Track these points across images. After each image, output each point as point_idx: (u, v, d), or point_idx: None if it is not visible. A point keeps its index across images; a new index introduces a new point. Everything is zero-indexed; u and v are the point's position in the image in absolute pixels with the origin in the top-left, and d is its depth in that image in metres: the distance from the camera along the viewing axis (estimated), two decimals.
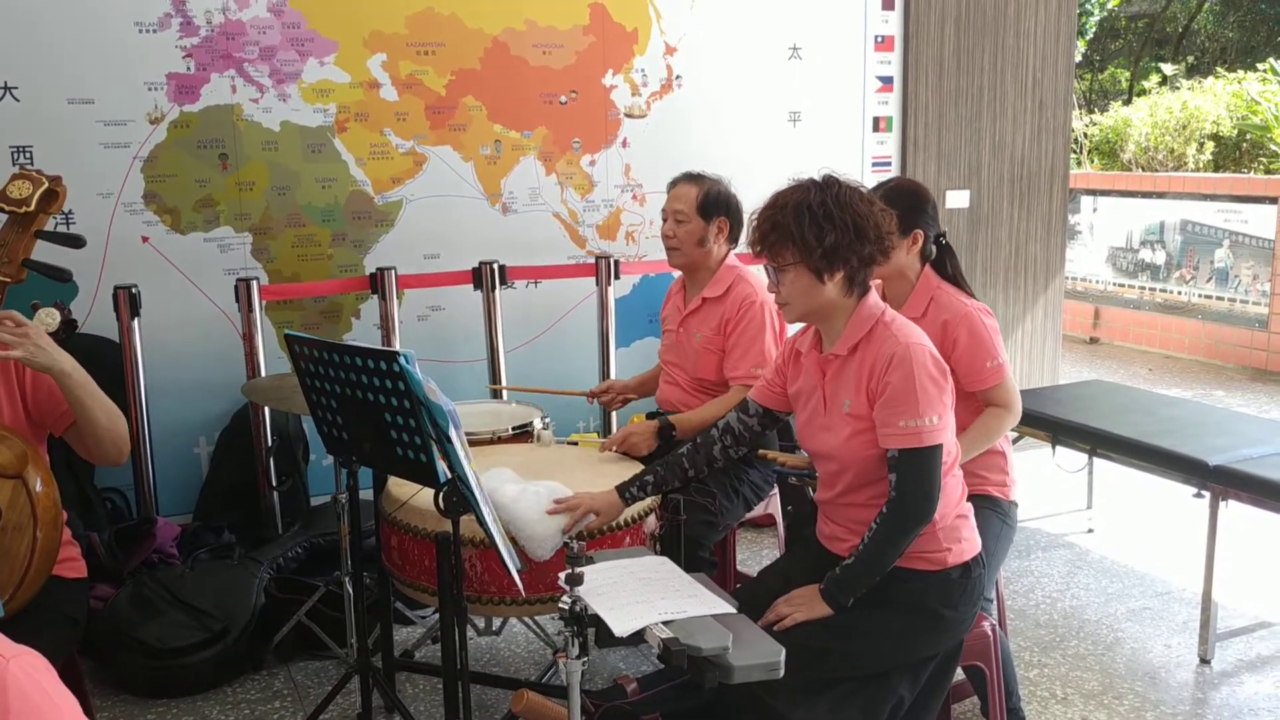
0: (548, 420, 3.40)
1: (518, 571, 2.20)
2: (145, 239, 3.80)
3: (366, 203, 4.09)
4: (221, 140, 3.84)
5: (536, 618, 3.47)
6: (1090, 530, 4.40)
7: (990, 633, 2.56)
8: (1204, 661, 3.31)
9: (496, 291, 4.11)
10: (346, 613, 3.22)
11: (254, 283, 3.72)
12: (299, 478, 3.96)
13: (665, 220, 3.34)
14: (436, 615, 3.62)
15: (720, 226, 3.31)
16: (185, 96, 3.77)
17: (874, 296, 2.33)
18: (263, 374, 3.77)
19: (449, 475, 2.47)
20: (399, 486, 2.78)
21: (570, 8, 4.28)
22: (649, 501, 2.80)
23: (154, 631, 3.17)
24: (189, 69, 3.77)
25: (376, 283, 3.95)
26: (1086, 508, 4.47)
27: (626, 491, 2.55)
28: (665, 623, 2.01)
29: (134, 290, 3.60)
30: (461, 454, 1.99)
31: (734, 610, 2.10)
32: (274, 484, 3.85)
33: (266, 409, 3.79)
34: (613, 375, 4.26)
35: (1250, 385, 6.93)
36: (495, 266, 4.09)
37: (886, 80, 4.94)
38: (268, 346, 3.85)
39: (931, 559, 2.29)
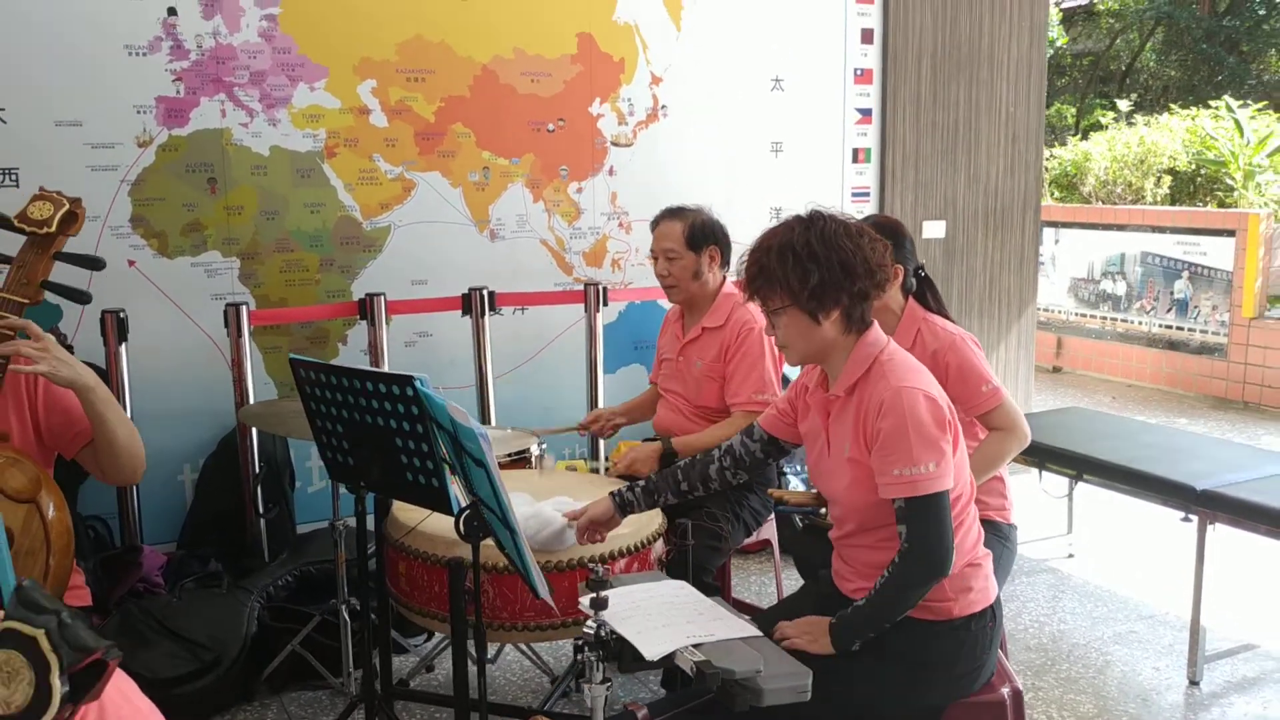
0: (543, 445, 3.40)
1: (549, 595, 2.18)
2: (132, 263, 3.75)
3: (355, 228, 4.07)
4: (210, 164, 3.81)
5: (533, 646, 3.46)
6: (1070, 555, 4.46)
7: (1007, 699, 2.31)
8: (1193, 683, 3.36)
9: (486, 318, 4.10)
10: (343, 641, 3.18)
11: (244, 308, 3.68)
12: (286, 505, 3.91)
13: (656, 260, 3.35)
14: (429, 643, 3.60)
15: (712, 255, 3.33)
16: (174, 120, 3.74)
17: (875, 333, 2.26)
18: (251, 400, 3.73)
19: (462, 500, 2.46)
20: (405, 512, 2.76)
21: (558, 37, 4.31)
22: (655, 528, 2.81)
23: (144, 662, 3.10)
24: (178, 92, 3.74)
25: (366, 308, 3.93)
26: (1067, 532, 4.53)
27: (618, 495, 2.53)
28: (695, 645, 2.01)
29: (122, 315, 3.55)
30: (496, 477, 1.98)
31: (759, 633, 2.10)
32: (261, 511, 3.79)
33: (255, 436, 3.74)
34: (600, 402, 4.27)
35: (1211, 413, 7.08)
36: (485, 293, 4.08)
37: (865, 112, 5.02)
38: (255, 373, 3.81)
39: (935, 609, 2.21)
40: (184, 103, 3.75)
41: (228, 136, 3.83)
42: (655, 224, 3.37)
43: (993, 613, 2.28)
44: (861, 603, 2.18)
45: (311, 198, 3.99)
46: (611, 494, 2.53)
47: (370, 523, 2.78)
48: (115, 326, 3.54)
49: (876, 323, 2.28)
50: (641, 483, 2.55)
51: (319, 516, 4.05)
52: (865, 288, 2.21)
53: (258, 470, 3.78)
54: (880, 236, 2.29)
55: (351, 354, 4.11)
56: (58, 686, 0.89)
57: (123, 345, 3.56)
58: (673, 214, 3.34)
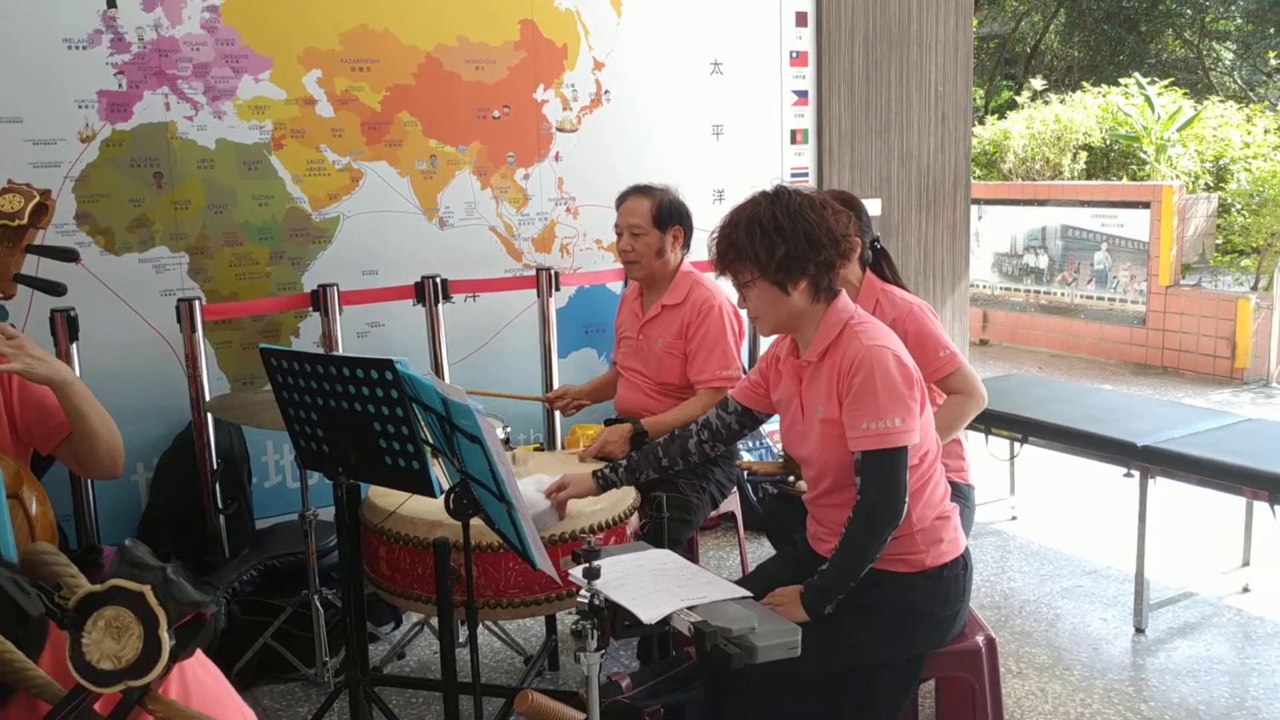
0: (508, 429, 3.44)
1: (549, 565, 2.22)
2: (78, 260, 3.67)
3: (304, 220, 4.05)
4: (156, 159, 3.76)
5: (503, 626, 3.49)
6: (1014, 517, 4.62)
7: (982, 646, 2.46)
8: (1139, 631, 3.53)
9: (440, 306, 4.11)
10: (315, 631, 3.19)
11: (196, 303, 3.64)
12: (244, 500, 3.88)
13: (620, 236, 3.39)
14: (397, 630, 3.61)
15: (676, 235, 3.39)
16: (117, 114, 3.68)
17: (843, 300, 2.36)
18: (207, 396, 3.69)
19: (443, 482, 2.49)
20: (383, 497, 2.78)
21: (501, 24, 4.33)
22: (631, 502, 2.86)
23: None
24: (121, 86, 3.68)
25: (319, 300, 3.91)
26: (1010, 495, 4.68)
27: (598, 473, 2.60)
28: (689, 608, 2.07)
29: (72, 313, 3.49)
30: (493, 451, 2.02)
31: (749, 595, 2.17)
32: (220, 507, 3.76)
33: (211, 432, 3.71)
34: (555, 386, 4.30)
35: (1132, 379, 7.36)
36: (438, 281, 4.09)
37: (802, 94, 5.12)
38: (208, 368, 3.77)
39: (910, 561, 2.32)
40: (127, 96, 3.69)
41: (173, 130, 3.78)
42: (621, 200, 3.41)
43: (964, 561, 2.40)
44: (826, 566, 2.28)
45: (259, 190, 3.95)
46: (594, 474, 2.58)
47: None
48: (65, 325, 3.48)
49: (844, 291, 2.38)
50: (624, 462, 2.61)
51: (276, 511, 4.04)
52: (830, 257, 2.30)
53: (215, 466, 3.75)
54: (843, 208, 2.39)
55: (304, 346, 4.09)
56: (166, 640, 0.91)
57: (74, 345, 3.50)
58: (640, 191, 3.39)
